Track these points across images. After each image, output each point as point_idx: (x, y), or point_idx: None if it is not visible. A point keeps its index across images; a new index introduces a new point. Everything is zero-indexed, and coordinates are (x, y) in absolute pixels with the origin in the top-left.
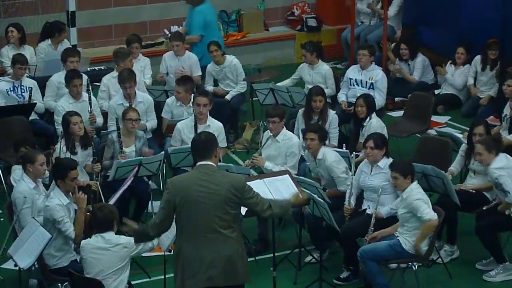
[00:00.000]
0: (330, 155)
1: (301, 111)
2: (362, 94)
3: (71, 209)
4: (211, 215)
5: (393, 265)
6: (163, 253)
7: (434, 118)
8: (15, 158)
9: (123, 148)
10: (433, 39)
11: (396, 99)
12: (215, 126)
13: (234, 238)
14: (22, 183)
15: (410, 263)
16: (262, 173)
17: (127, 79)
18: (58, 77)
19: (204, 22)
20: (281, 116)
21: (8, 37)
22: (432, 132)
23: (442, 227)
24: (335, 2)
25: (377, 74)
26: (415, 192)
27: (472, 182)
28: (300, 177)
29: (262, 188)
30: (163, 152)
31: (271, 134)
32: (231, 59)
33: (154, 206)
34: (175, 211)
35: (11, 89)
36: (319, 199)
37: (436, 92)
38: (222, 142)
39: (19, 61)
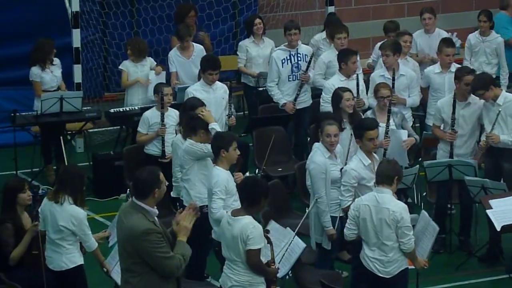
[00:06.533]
0: None
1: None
2: None
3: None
4: (121, 252)
5: None
6: None
7: None
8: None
9: None
10: None
11: None
12: None
13: (134, 284)
14: (318, 153)
15: None
16: None
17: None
18: (328, 56)
19: None
20: None
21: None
22: None
23: None
24: None
25: None
26: None
27: None
28: None
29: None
30: (417, 165)
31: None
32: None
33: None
34: None
35: (287, 58)
36: None
37: None
38: None
39: (296, 27)
